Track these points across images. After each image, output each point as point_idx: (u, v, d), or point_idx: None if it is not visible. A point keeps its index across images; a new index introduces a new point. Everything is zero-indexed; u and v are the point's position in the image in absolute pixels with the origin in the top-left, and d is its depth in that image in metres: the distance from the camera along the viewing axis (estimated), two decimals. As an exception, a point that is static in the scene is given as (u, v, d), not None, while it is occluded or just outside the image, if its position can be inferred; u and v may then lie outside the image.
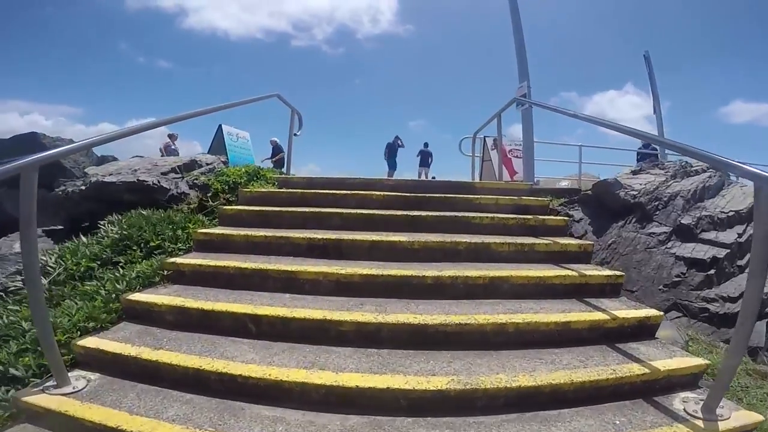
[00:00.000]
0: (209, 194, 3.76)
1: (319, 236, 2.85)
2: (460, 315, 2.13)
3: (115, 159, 5.78)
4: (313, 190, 3.68)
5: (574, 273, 2.62)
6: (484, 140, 6.22)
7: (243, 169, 4.10)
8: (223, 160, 4.44)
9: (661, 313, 2.36)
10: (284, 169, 4.91)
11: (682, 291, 3.78)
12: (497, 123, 4.51)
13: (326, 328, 2.04)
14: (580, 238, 3.52)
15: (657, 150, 10.40)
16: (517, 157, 6.29)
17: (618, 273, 2.72)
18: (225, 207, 3.43)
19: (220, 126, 5.75)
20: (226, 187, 3.80)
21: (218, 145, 5.83)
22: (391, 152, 12.49)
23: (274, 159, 9.36)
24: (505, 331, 2.07)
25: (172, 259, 2.67)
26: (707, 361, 2.00)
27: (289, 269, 2.50)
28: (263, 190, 3.75)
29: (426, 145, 13.17)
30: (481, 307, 2.24)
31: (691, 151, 1.98)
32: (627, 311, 2.29)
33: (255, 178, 4.04)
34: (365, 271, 2.47)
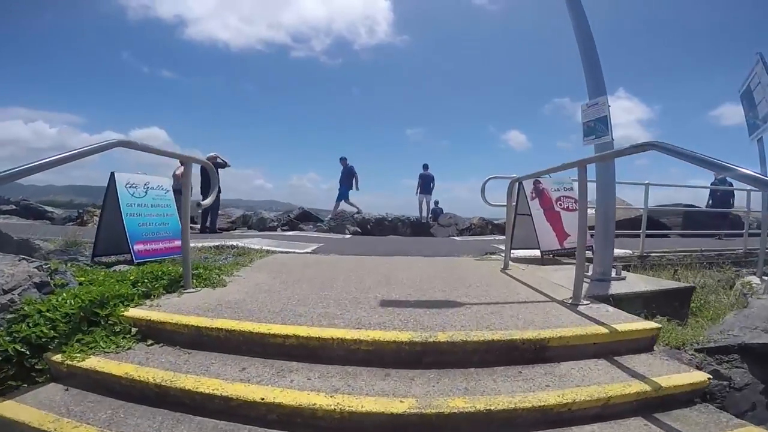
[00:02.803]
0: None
1: None
2: None
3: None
4: (183, 382, 1.64)
5: None
6: (520, 185, 4.17)
7: (68, 304, 2.05)
8: (35, 279, 2.30)
9: None
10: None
11: None
12: (580, 176, 2.48)
13: None
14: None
15: (733, 185, 8.56)
16: (568, 209, 4.22)
17: None
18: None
19: (112, 175, 3.68)
20: (27, 350, 1.76)
21: (111, 208, 3.77)
22: (346, 179, 10.53)
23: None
24: None
25: None
26: None
27: None
28: (89, 364, 1.72)
29: (426, 167, 11.16)
30: None
31: None
32: None
33: (91, 324, 2.01)
34: None
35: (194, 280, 2.86)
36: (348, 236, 7.79)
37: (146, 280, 2.78)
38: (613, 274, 3.44)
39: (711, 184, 10.39)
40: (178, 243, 4.32)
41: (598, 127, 2.86)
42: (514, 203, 4.34)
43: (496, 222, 11.63)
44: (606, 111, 2.81)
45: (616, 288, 3.16)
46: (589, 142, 2.99)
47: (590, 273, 3.49)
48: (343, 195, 10.55)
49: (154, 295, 2.59)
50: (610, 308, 2.62)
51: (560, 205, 4.18)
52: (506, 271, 3.67)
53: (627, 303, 3.07)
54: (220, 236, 7.14)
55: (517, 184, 4.17)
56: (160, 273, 2.88)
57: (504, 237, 7.68)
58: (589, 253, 3.87)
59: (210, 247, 4.99)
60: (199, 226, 8.41)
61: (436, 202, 13.24)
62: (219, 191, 8.46)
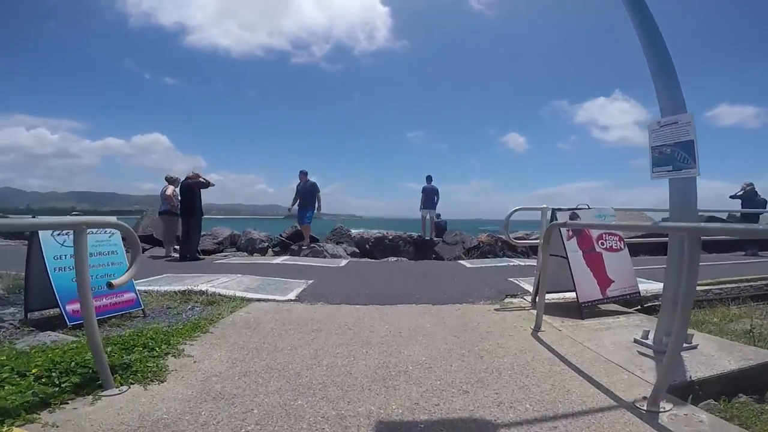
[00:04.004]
0: None
1: None
2: None
3: None
4: None
5: None
6: (553, 218, 3.43)
7: None
8: None
9: None
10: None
11: None
12: (691, 248, 1.74)
13: None
14: None
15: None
16: (611, 249, 3.48)
17: None
18: None
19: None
20: None
21: (37, 259, 3.03)
22: (305, 198, 9.00)
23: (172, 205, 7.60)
24: None
25: None
26: None
27: None
28: None
29: (429, 179, 10.41)
30: None
31: None
32: None
33: None
34: None
35: (119, 375, 2.12)
36: (344, 263, 7.04)
37: (53, 374, 2.06)
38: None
39: (737, 198, 9.59)
40: (130, 296, 3.60)
41: (677, 155, 2.10)
42: (545, 240, 3.58)
43: (505, 239, 10.85)
44: (691, 133, 2.05)
45: (693, 367, 2.41)
46: (662, 174, 2.24)
47: (649, 338, 2.74)
48: (308, 218, 9.10)
49: (56, 404, 1.86)
50: (704, 416, 1.88)
51: (602, 244, 3.43)
52: (540, 335, 2.91)
53: (709, 387, 2.34)
54: (199, 267, 6.40)
55: (549, 213, 3.44)
56: (72, 364, 2.14)
57: (518, 260, 6.87)
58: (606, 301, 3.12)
59: (176, 292, 4.27)
60: (179, 252, 7.67)
61: (438, 215, 12.44)
62: (201, 213, 7.72)
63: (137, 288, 4.65)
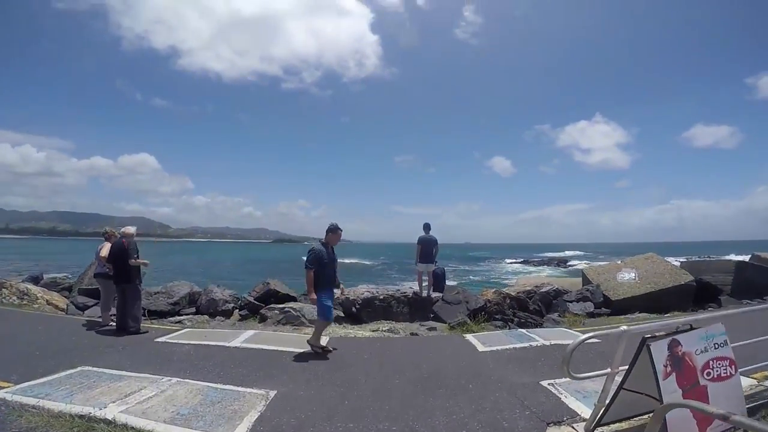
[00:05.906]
0: None
1: None
2: None
3: None
4: None
5: None
6: (646, 349, 2.39)
7: None
8: None
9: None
10: None
11: None
12: None
13: None
14: None
15: None
16: (720, 378, 2.47)
17: None
18: None
19: None
20: None
21: None
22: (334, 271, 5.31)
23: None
24: None
25: None
26: None
27: None
28: None
29: (427, 228, 9.37)
30: None
31: None
32: None
33: None
34: None
35: None
36: (323, 343, 5.83)
37: None
38: None
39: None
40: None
41: None
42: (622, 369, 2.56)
43: (513, 295, 9.86)
44: None
45: None
46: None
47: None
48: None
49: None
50: None
51: (708, 375, 2.43)
52: None
53: None
54: (132, 351, 5.15)
55: (622, 339, 2.45)
56: None
57: (539, 336, 5.62)
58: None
59: (74, 417, 3.09)
60: (116, 322, 6.37)
61: (436, 263, 11.22)
62: (140, 280, 6.47)
63: (32, 392, 3.50)
